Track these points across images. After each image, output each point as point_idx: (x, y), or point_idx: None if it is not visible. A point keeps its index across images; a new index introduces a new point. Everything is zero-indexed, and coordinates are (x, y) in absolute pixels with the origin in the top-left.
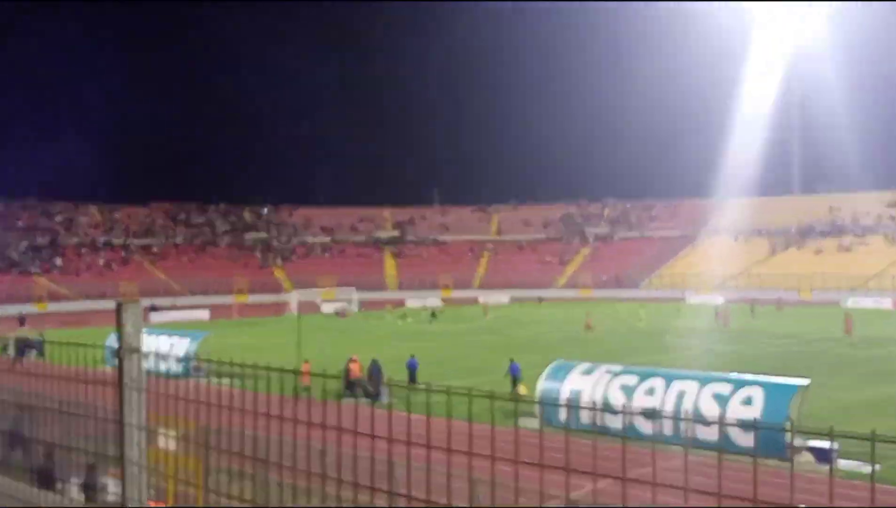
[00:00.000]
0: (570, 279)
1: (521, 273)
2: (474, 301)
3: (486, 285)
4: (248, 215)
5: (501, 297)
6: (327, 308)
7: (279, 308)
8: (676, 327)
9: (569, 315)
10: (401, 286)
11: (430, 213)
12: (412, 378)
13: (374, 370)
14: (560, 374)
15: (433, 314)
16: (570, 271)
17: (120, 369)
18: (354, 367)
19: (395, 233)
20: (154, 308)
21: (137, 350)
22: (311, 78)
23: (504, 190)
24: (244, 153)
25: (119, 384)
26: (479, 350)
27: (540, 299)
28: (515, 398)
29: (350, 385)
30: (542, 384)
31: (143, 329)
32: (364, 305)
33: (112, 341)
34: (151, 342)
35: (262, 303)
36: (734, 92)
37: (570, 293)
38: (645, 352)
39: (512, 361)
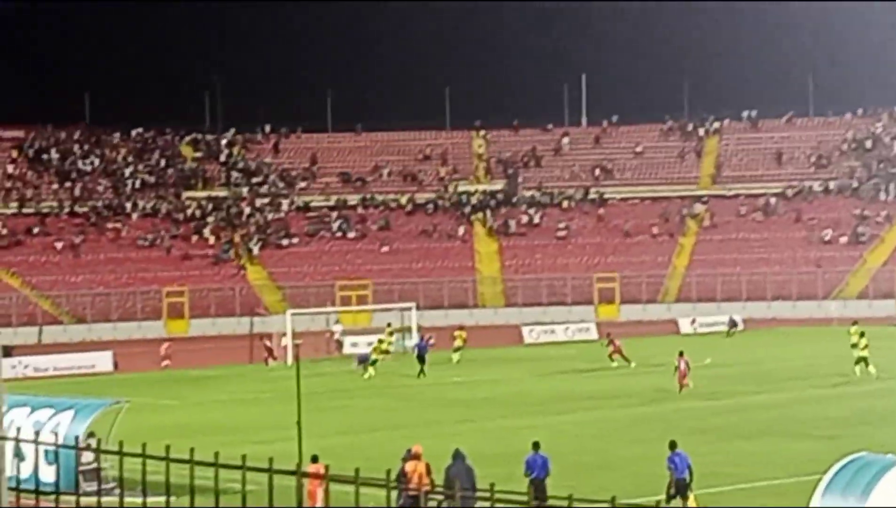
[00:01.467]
0: (877, 280)
1: (765, 267)
2: (670, 329)
3: (690, 295)
4: (187, 150)
5: (714, 317)
6: (355, 346)
7: (256, 349)
8: None
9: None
10: (509, 300)
11: (569, 139)
12: (538, 491)
13: (461, 475)
14: (858, 481)
15: (421, 369)
16: (874, 260)
17: None
18: (417, 469)
19: (497, 185)
20: (5, 352)
21: None
22: None
23: (725, 90)
24: (179, 24)
25: None
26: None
27: (732, 327)
28: None
29: (411, 503)
30: (820, 500)
31: None
32: (434, 337)
33: None
34: None
35: (220, 337)
36: None
37: (874, 310)
38: None
39: (674, 449)
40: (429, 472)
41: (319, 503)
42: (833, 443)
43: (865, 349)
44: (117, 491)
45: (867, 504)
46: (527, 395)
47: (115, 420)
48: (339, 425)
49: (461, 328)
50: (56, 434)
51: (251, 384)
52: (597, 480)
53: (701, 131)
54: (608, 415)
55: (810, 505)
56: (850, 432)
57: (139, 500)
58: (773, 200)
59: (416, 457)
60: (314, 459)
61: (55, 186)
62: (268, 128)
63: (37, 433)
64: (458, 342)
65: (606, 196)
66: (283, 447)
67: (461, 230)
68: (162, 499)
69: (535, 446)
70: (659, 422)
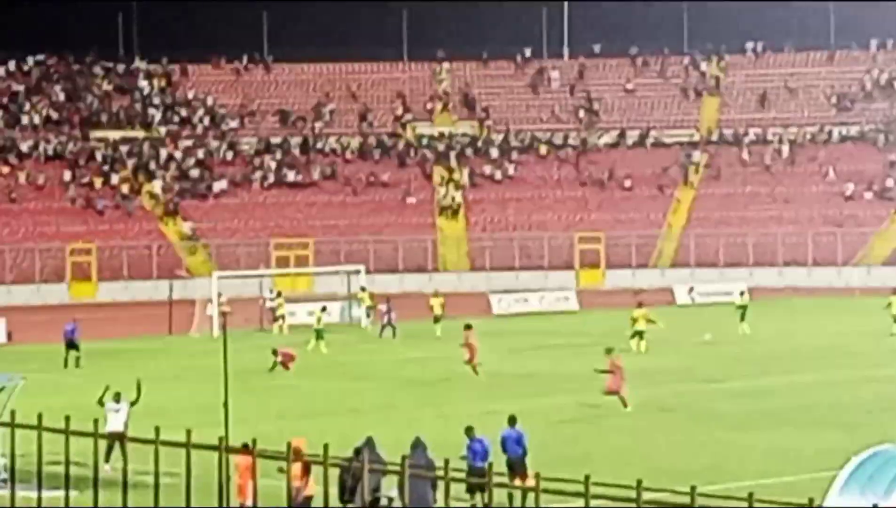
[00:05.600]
0: None
1: (775, 227)
2: (664, 298)
3: (687, 259)
4: (95, 82)
5: (716, 285)
6: (306, 316)
7: (178, 318)
8: None
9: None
10: (475, 263)
11: (547, 73)
12: (512, 468)
13: (369, 459)
14: (881, 477)
15: (67, 358)
16: None
17: None
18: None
19: (462, 128)
20: None
21: None
22: None
23: (731, 18)
24: None
25: None
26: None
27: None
28: None
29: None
30: (837, 499)
31: None
32: (399, 307)
33: None
34: None
35: (134, 303)
36: None
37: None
38: None
39: (471, 435)
40: (307, 472)
41: (249, 500)
42: (852, 434)
43: None
44: (7, 486)
45: (890, 503)
46: (495, 375)
47: (7, 401)
48: (275, 408)
49: (436, 293)
50: None
51: (170, 359)
52: (577, 475)
53: (703, 66)
54: (591, 399)
55: (824, 505)
56: (873, 420)
57: (34, 494)
58: (785, 148)
59: (296, 455)
60: (245, 447)
61: None
62: (192, 57)
63: None
64: (437, 311)
65: (590, 142)
66: (208, 433)
67: (420, 180)
68: (59, 494)
69: (512, 420)
70: (651, 408)
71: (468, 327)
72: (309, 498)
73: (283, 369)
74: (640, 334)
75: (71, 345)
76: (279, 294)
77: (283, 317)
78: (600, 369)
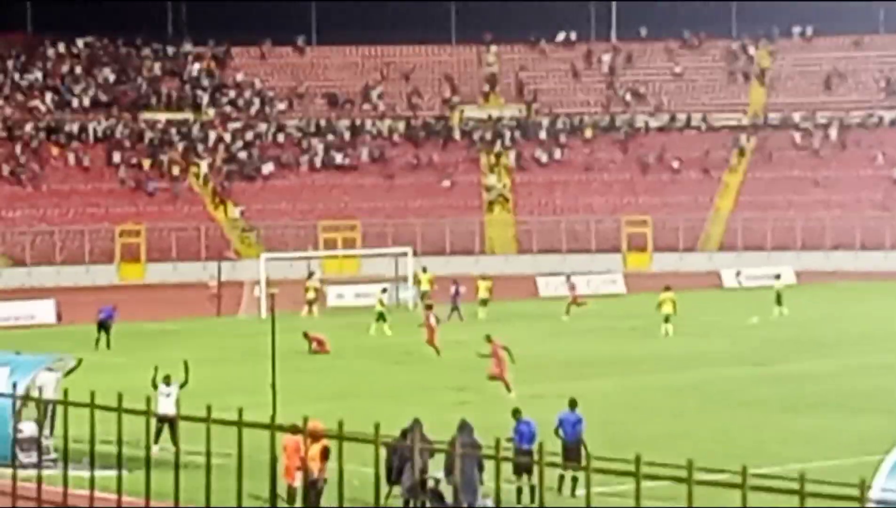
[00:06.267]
0: None
1: (823, 211)
2: (711, 281)
3: (734, 242)
4: (145, 64)
5: (763, 268)
6: (354, 297)
7: (227, 300)
8: None
9: None
10: (522, 245)
11: (596, 57)
12: (567, 452)
13: (466, 450)
14: None
15: (106, 340)
16: None
17: None
18: (309, 453)
19: (510, 111)
20: None
21: None
22: None
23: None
24: None
25: None
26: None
27: None
28: None
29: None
30: (884, 484)
31: None
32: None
33: None
34: None
35: (182, 285)
36: None
37: None
38: None
39: (518, 417)
40: (325, 458)
41: (296, 480)
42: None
43: None
44: (60, 464)
45: None
46: (543, 358)
47: (58, 380)
48: (321, 389)
49: (483, 277)
50: None
51: (218, 339)
52: (623, 457)
53: (751, 50)
54: (639, 382)
55: (871, 492)
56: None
57: (86, 473)
58: (833, 132)
59: (315, 437)
60: (300, 427)
61: None
62: (241, 40)
63: None
64: (483, 294)
65: (638, 125)
66: (255, 414)
67: (467, 163)
68: (111, 473)
69: (572, 403)
70: (697, 392)
71: (429, 307)
72: (322, 482)
73: (320, 352)
74: (666, 317)
75: (102, 326)
76: (310, 276)
77: (313, 301)
78: (483, 353)
